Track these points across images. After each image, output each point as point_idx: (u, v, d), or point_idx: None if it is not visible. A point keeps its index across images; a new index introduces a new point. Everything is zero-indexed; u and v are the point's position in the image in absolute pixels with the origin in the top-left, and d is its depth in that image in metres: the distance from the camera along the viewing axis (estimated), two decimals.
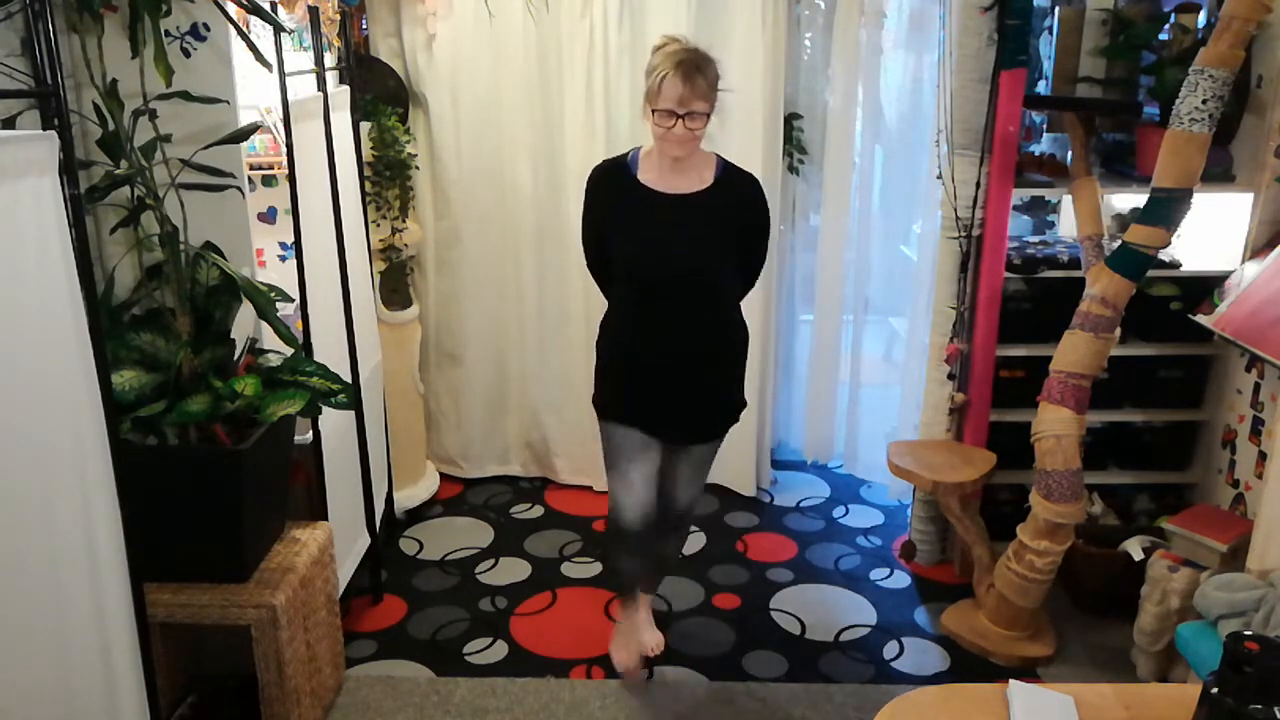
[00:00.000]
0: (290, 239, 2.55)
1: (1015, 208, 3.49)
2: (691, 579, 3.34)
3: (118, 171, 2.14)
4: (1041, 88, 3.24)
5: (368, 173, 3.33)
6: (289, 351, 2.42)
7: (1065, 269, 3.11)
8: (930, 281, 3.32)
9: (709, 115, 2.34)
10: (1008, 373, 3.21)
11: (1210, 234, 3.08)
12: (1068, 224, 3.50)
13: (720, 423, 2.66)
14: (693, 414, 2.60)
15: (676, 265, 2.44)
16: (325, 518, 2.69)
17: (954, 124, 3.03)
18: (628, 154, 2.53)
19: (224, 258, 2.33)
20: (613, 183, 2.50)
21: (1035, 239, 3.45)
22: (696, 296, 2.49)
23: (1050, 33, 3.23)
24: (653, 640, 2.90)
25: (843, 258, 3.84)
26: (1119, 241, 2.71)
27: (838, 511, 3.83)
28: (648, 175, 2.46)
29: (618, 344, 2.58)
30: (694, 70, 2.27)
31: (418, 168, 3.63)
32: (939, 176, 3.13)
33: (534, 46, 3.53)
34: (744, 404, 2.69)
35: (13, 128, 1.89)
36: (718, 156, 2.50)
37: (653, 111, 2.34)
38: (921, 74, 3.55)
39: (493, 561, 3.46)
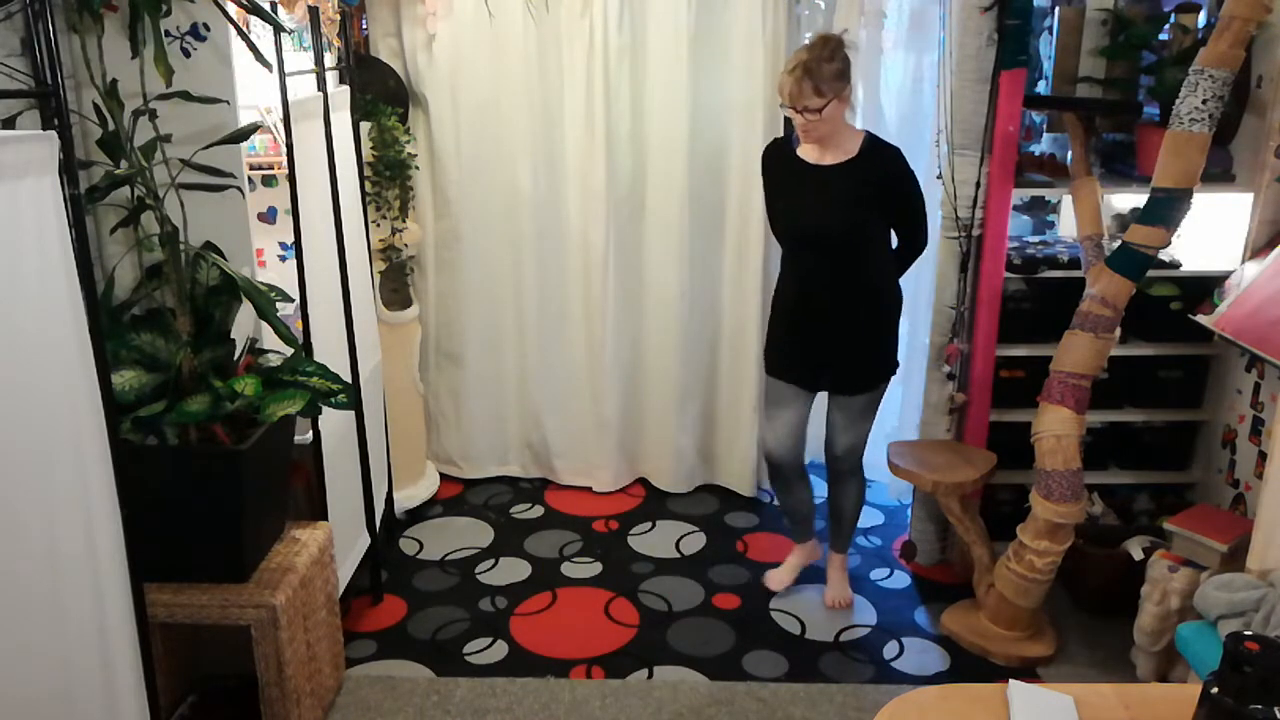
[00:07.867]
0: (290, 239, 2.55)
1: (1015, 208, 3.48)
2: (691, 579, 3.34)
3: (118, 171, 2.14)
4: (1041, 88, 3.24)
5: (368, 173, 3.32)
6: (289, 351, 2.42)
7: (1065, 269, 3.11)
8: (930, 281, 3.32)
9: (824, 106, 2.67)
10: (1008, 373, 3.21)
11: (1210, 234, 3.08)
12: (1068, 224, 3.50)
13: (864, 377, 2.95)
14: (837, 364, 2.92)
15: (813, 225, 2.82)
16: (325, 518, 2.69)
17: (954, 124, 3.03)
18: (793, 132, 2.88)
19: (224, 258, 2.33)
20: (775, 156, 2.94)
21: (1035, 239, 3.45)
22: (834, 255, 2.83)
23: (1050, 33, 3.23)
24: (842, 596, 3.19)
25: None
26: (1119, 241, 2.71)
27: None
28: (803, 150, 2.85)
29: (778, 299, 3.01)
30: (804, 73, 2.64)
31: (418, 168, 3.63)
32: (939, 176, 3.12)
33: (534, 46, 3.52)
34: (895, 364, 3.00)
35: (13, 128, 1.89)
36: (867, 133, 2.83)
37: None
38: (921, 74, 3.55)
39: (493, 561, 3.46)
